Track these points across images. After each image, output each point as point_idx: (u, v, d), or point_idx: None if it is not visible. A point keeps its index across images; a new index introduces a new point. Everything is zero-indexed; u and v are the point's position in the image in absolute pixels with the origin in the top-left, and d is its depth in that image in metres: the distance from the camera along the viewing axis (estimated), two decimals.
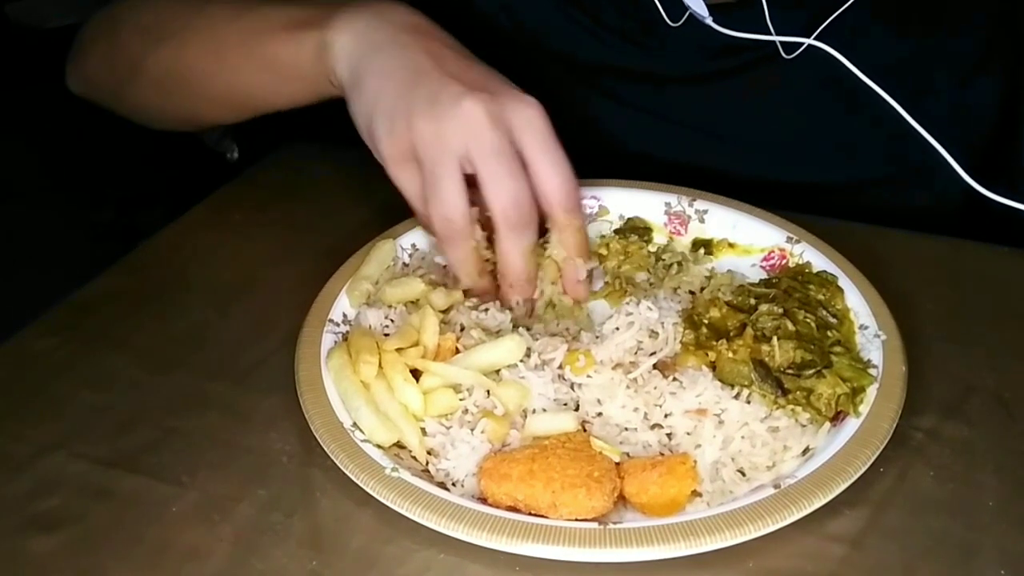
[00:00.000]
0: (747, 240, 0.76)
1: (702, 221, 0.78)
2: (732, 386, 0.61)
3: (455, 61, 0.68)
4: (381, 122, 0.66)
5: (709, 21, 0.76)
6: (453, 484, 0.57)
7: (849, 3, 0.78)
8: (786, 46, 0.79)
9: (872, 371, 0.61)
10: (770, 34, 0.77)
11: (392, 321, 0.68)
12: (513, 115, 0.64)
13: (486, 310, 0.68)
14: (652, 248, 0.77)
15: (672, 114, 0.88)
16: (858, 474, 0.55)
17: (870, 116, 0.74)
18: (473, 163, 0.64)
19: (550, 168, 0.65)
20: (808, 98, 0.86)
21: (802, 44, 0.75)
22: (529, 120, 0.64)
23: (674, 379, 0.62)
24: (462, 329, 0.66)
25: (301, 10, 0.75)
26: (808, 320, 0.64)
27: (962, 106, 0.83)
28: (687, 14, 0.80)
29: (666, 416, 0.60)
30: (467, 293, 0.69)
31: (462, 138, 0.63)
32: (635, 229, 0.78)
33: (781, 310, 0.65)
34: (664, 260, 0.75)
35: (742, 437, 0.58)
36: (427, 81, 0.66)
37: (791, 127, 0.87)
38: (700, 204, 0.79)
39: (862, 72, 0.70)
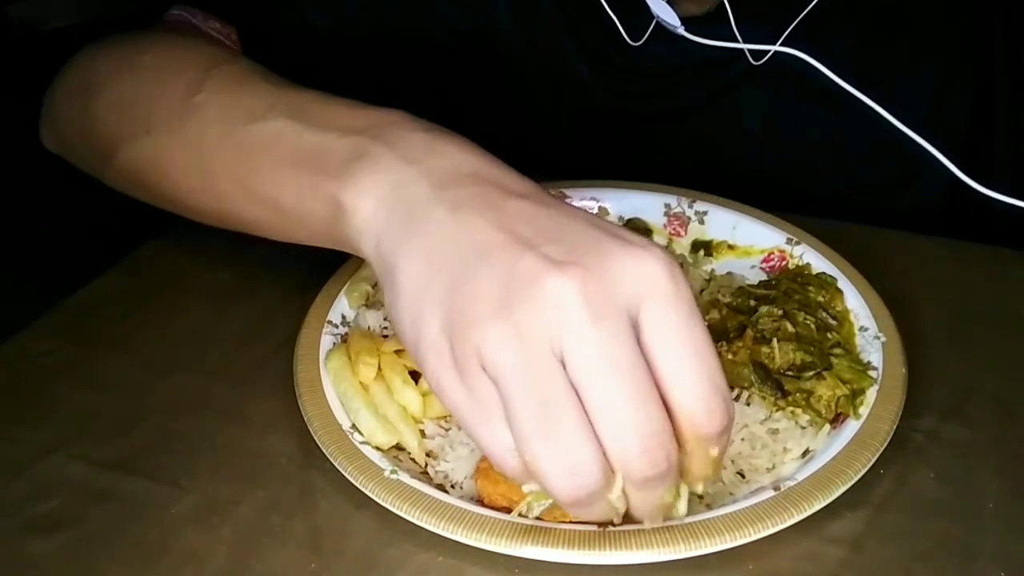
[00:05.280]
0: (747, 241, 0.76)
1: (702, 223, 0.78)
2: (732, 388, 0.61)
3: (528, 218, 0.46)
4: (429, 329, 0.46)
5: (681, 30, 0.74)
6: (452, 486, 0.57)
7: (811, 7, 0.77)
8: (756, 54, 0.78)
9: (872, 373, 0.61)
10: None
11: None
12: (622, 289, 0.43)
13: None
14: None
15: (652, 144, 0.88)
16: (858, 476, 0.54)
17: (851, 122, 0.73)
18: (571, 376, 0.43)
19: (684, 373, 0.44)
20: (786, 110, 0.85)
21: (774, 50, 0.74)
22: (649, 292, 0.44)
23: None
24: None
25: (313, 134, 0.55)
26: (808, 322, 0.64)
27: (940, 108, 0.82)
28: (649, 30, 0.78)
29: None
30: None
31: (552, 337, 0.43)
32: (635, 230, 0.77)
33: (781, 312, 0.65)
34: None
35: (742, 439, 0.58)
36: (491, 258, 0.45)
37: (772, 141, 0.86)
38: (700, 205, 0.78)
39: (839, 77, 0.69)
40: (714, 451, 0.46)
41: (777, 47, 0.74)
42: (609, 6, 0.80)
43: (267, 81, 0.64)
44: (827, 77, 0.69)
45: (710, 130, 0.87)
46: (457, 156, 0.50)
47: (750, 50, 0.78)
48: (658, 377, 0.44)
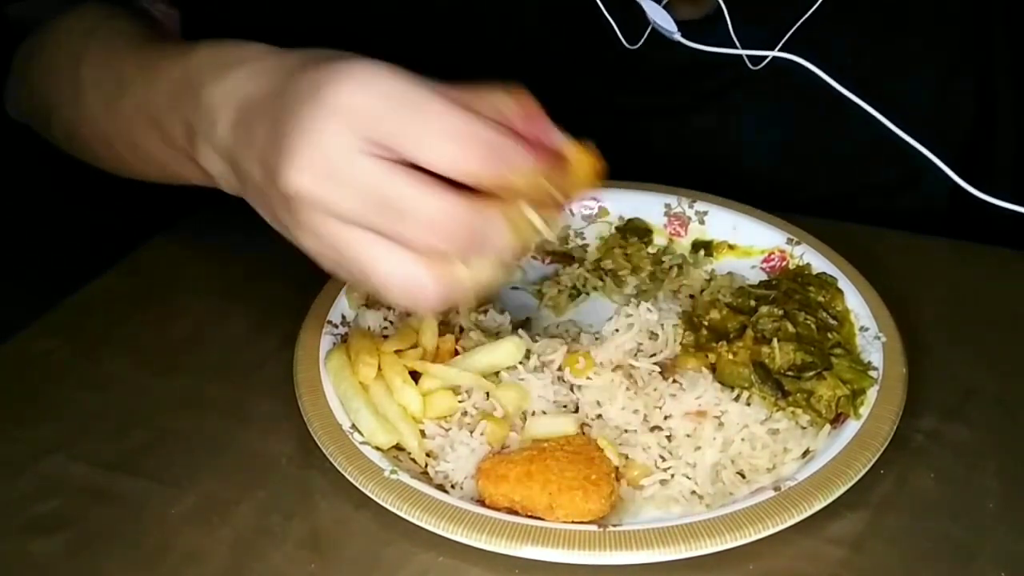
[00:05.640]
0: (747, 241, 0.76)
1: (702, 223, 0.78)
2: (732, 388, 0.61)
3: (262, 117, 0.51)
4: (296, 240, 0.51)
5: (677, 36, 0.75)
6: (452, 486, 0.57)
7: (811, 12, 0.77)
8: (753, 58, 0.78)
9: (872, 373, 0.61)
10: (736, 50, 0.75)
11: (391, 323, 0.67)
12: (340, 136, 0.46)
13: (485, 311, 0.68)
14: (652, 250, 0.77)
15: (650, 148, 0.87)
16: (858, 476, 0.55)
17: (851, 123, 0.73)
18: (378, 144, 0.46)
19: (428, 151, 0.46)
20: (785, 113, 0.85)
21: (772, 55, 0.74)
22: (359, 118, 0.46)
23: (674, 381, 0.61)
24: (461, 331, 0.66)
25: (159, 104, 0.60)
26: (808, 322, 0.64)
27: (941, 110, 0.82)
28: (646, 35, 0.78)
29: (666, 418, 0.60)
30: None
31: (326, 211, 0.47)
32: (635, 230, 0.78)
33: (781, 312, 0.64)
34: (664, 262, 0.75)
35: (742, 439, 0.58)
36: (250, 184, 0.52)
37: (770, 144, 0.86)
38: (700, 205, 0.78)
39: (837, 81, 0.69)
40: (519, 179, 0.47)
41: (775, 53, 0.74)
42: (606, 10, 0.80)
43: (130, 46, 0.69)
44: (825, 82, 0.69)
45: (710, 130, 0.87)
46: (237, 91, 0.53)
47: (749, 57, 0.78)
48: (426, 167, 0.46)
